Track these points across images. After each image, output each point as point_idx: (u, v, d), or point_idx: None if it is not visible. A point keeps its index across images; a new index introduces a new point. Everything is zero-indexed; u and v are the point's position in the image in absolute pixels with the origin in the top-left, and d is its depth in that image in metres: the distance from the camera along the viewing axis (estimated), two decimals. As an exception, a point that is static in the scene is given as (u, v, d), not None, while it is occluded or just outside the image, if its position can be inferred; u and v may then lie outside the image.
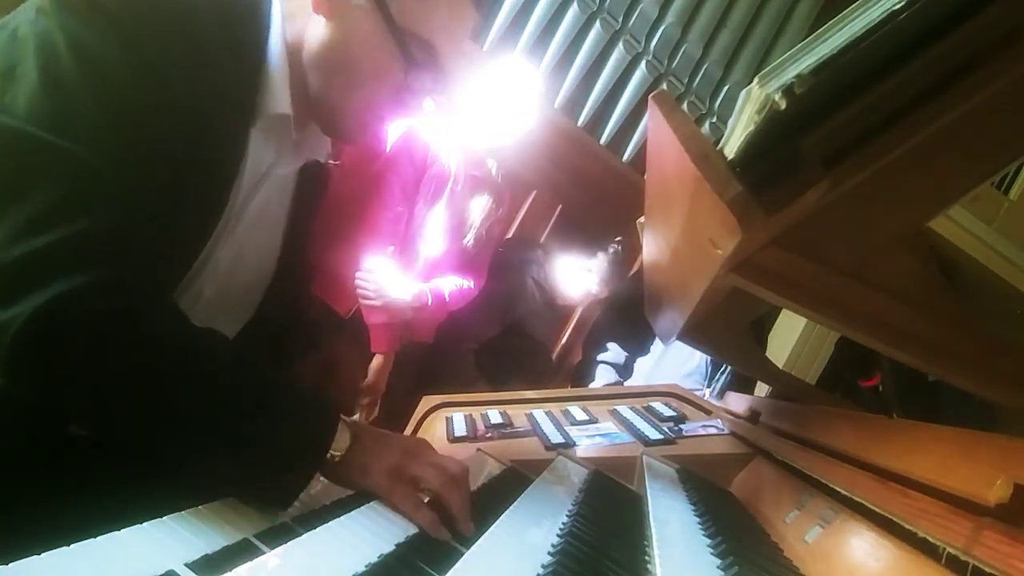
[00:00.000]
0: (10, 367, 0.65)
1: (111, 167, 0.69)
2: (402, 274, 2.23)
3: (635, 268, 3.23)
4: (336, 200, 2.13)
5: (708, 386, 2.56)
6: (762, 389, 2.50)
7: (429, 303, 2.28)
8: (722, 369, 2.58)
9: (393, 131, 2.25)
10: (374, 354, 2.18)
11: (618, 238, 2.79)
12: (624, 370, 2.86)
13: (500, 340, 2.67)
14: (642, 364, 2.82)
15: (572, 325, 3.26)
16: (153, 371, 0.67)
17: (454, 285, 2.38)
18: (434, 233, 2.33)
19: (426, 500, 0.75)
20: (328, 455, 0.73)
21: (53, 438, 0.79)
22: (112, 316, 0.66)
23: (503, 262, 2.73)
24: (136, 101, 0.71)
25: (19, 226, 0.65)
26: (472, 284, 2.46)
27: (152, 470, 0.80)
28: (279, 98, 0.85)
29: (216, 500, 0.67)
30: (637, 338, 2.84)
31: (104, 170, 0.68)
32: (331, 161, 1.06)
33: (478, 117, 2.27)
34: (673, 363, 2.70)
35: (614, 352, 2.89)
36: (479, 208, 2.43)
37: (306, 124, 0.92)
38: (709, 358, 2.62)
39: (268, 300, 0.99)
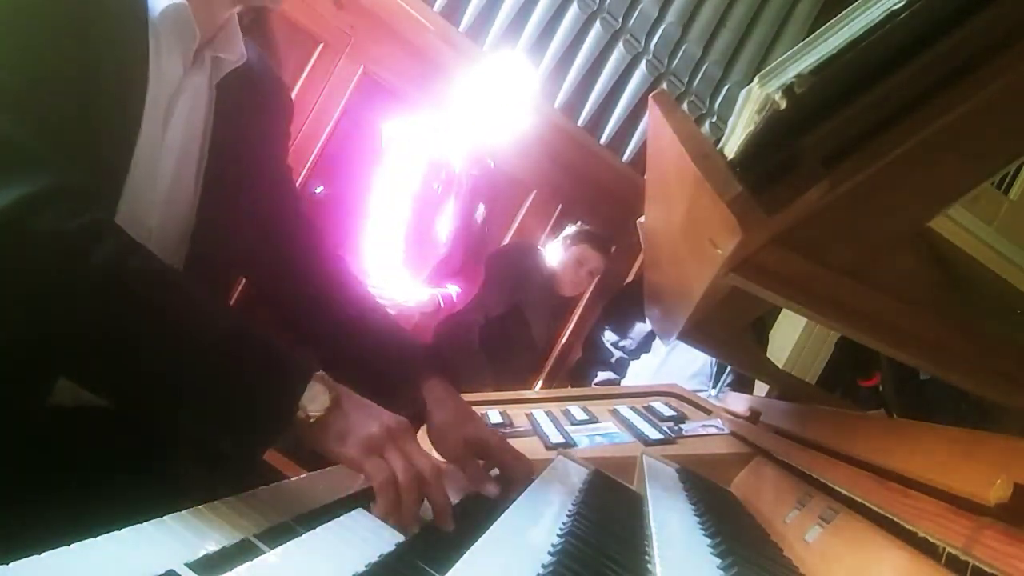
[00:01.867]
0: None
1: (16, 78, 0.68)
2: (412, 279, 2.23)
3: (635, 268, 3.23)
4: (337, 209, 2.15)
5: (714, 387, 2.57)
6: (762, 389, 2.50)
7: (441, 306, 2.29)
8: (727, 370, 2.59)
9: (398, 136, 2.26)
10: None
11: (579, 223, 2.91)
12: (618, 368, 2.87)
13: (501, 322, 2.68)
14: (647, 365, 2.83)
15: (572, 325, 3.26)
16: (112, 298, 0.66)
17: (460, 287, 2.39)
18: (441, 235, 2.33)
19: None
20: (304, 416, 0.69)
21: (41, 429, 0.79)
22: (70, 234, 0.65)
23: (518, 247, 2.82)
24: (16, 13, 0.70)
25: None
26: (474, 283, 2.47)
27: (152, 467, 0.80)
28: None
29: (216, 500, 0.67)
30: (624, 321, 2.87)
31: (11, 81, 0.68)
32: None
33: (476, 115, 2.27)
34: (678, 364, 2.71)
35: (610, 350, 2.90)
36: (480, 208, 2.43)
37: (211, 23, 0.87)
38: (714, 359, 2.63)
39: (200, 229, 0.91)
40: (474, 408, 1.59)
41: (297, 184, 2.48)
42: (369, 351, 1.00)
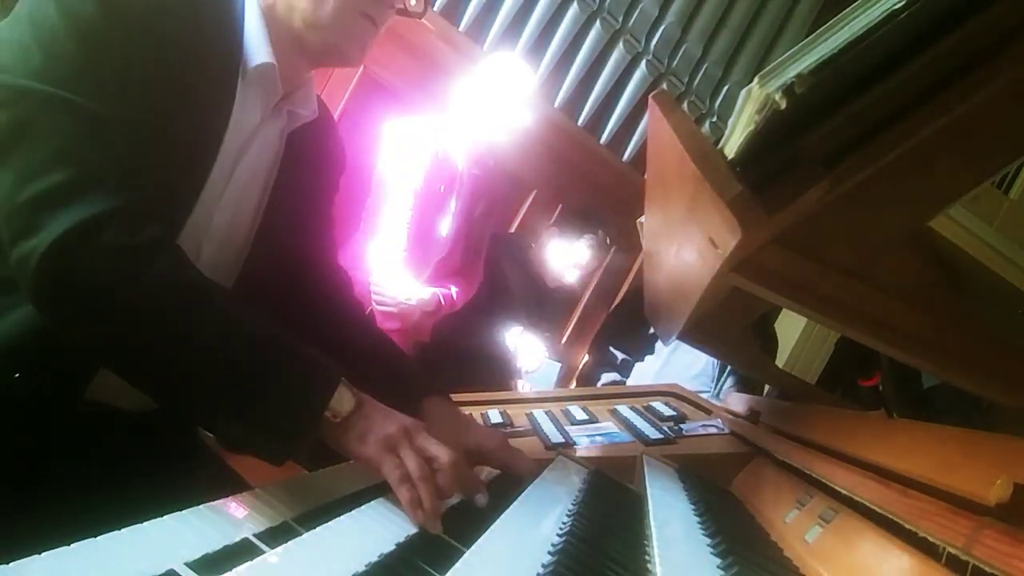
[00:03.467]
0: (35, 296, 0.71)
1: (106, 109, 0.74)
2: (414, 278, 2.23)
3: (636, 268, 3.24)
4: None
5: (716, 387, 2.56)
6: (767, 391, 2.49)
7: (443, 305, 2.29)
8: (728, 370, 2.59)
9: (398, 131, 2.26)
10: None
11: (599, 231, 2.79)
12: (623, 369, 2.86)
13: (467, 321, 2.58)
14: (649, 365, 2.82)
15: (574, 322, 3.27)
16: (165, 308, 0.72)
17: (459, 286, 2.39)
18: (442, 234, 2.33)
19: None
20: (331, 416, 0.74)
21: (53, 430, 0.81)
22: (129, 250, 0.71)
23: (498, 240, 2.72)
24: (120, 48, 0.77)
25: (27, 170, 0.71)
26: (474, 283, 2.47)
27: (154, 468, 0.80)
28: (259, 48, 0.89)
29: (217, 500, 0.67)
30: (637, 341, 2.84)
31: (100, 112, 0.74)
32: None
33: (476, 115, 2.27)
34: (680, 365, 2.70)
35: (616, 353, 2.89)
36: (480, 207, 2.43)
37: (293, 82, 0.94)
38: (716, 359, 2.62)
39: (249, 265, 0.97)
40: (476, 408, 1.60)
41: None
42: (374, 377, 1.01)
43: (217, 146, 0.86)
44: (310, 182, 1.04)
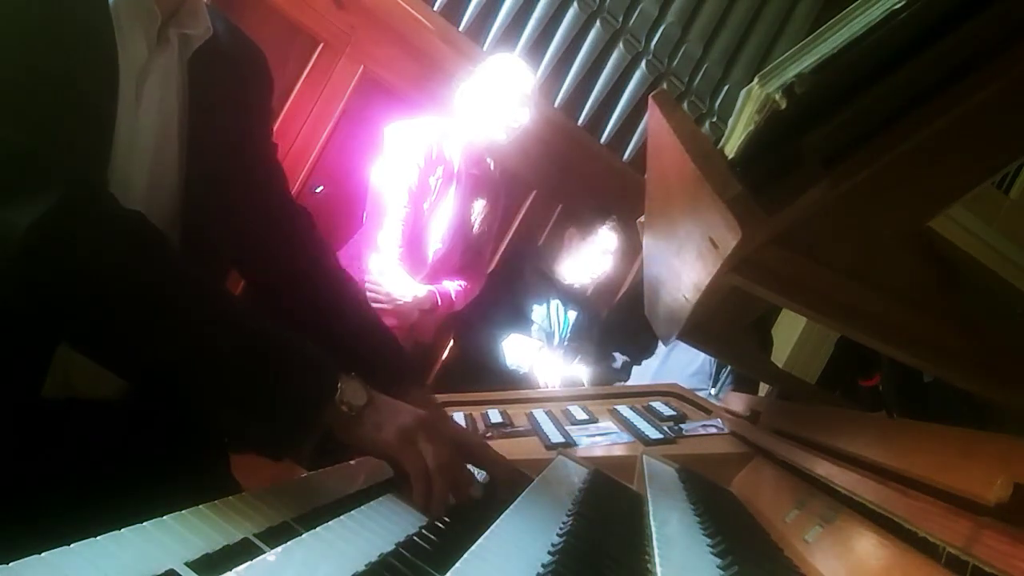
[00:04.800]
0: (27, 282, 0.67)
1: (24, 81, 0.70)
2: (410, 276, 2.24)
3: (636, 267, 3.23)
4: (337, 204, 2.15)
5: (714, 386, 2.56)
6: (765, 390, 2.49)
7: (439, 304, 2.29)
8: (726, 369, 2.59)
9: (396, 132, 2.26)
10: None
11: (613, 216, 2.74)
12: (622, 371, 2.86)
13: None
14: (648, 364, 2.83)
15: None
16: (160, 290, 0.71)
17: (459, 285, 2.39)
18: (439, 233, 2.33)
19: None
20: (346, 409, 0.74)
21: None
22: (120, 234, 0.70)
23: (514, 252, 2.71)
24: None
25: None
26: (475, 283, 2.47)
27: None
28: None
29: (216, 500, 0.67)
30: (638, 345, 2.83)
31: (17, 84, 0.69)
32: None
33: (475, 114, 2.27)
34: (679, 363, 2.70)
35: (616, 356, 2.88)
36: (479, 206, 2.44)
37: (169, 3, 0.84)
38: (714, 358, 2.62)
39: (188, 210, 0.90)
40: (476, 408, 1.59)
41: (297, 182, 2.50)
42: (352, 342, 1.00)
43: (116, 95, 0.78)
44: (230, 107, 0.95)
